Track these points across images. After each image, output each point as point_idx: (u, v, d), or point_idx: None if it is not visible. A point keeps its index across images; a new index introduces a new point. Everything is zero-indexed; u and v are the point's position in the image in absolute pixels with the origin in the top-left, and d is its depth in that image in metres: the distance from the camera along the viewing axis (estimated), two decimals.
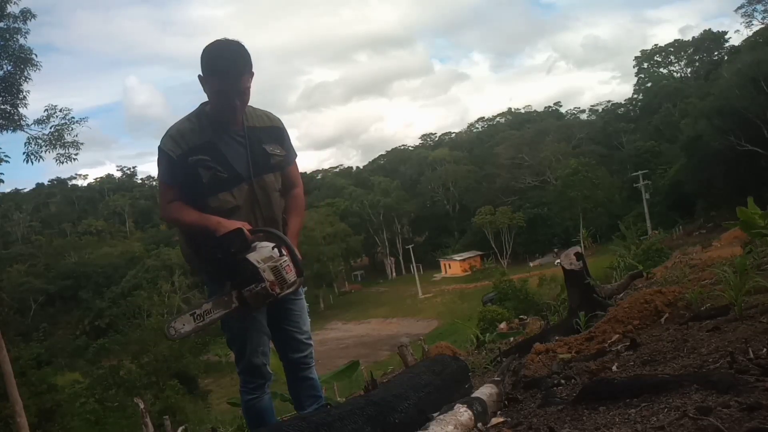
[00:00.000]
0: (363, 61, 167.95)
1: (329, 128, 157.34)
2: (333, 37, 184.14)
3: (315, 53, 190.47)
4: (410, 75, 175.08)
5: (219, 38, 2.32)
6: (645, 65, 72.92)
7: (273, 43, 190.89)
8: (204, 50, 2.29)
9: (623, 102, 75.49)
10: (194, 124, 2.37)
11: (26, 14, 11.86)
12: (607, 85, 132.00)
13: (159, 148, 2.36)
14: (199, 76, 2.29)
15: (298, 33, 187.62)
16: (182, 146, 2.31)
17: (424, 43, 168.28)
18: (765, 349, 2.20)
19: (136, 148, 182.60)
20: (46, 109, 12.55)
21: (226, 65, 2.24)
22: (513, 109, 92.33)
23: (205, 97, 2.38)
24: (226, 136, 2.38)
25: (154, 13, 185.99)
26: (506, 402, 2.54)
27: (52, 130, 12.43)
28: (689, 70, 70.16)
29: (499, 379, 2.72)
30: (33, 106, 12.76)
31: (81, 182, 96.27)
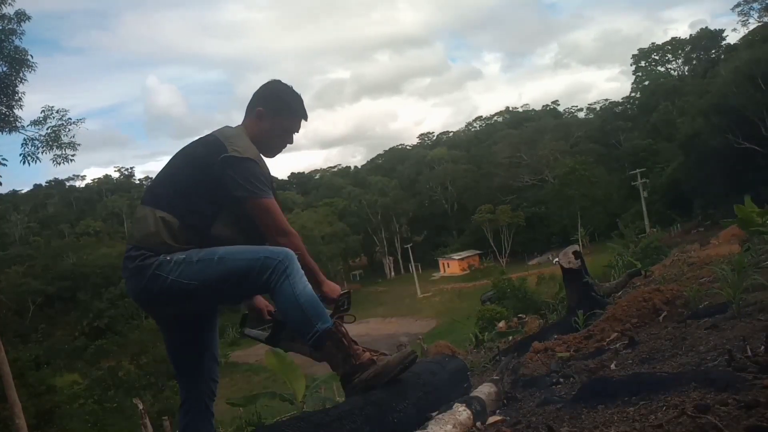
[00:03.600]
0: (376, 60, 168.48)
1: (340, 126, 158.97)
2: (349, 38, 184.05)
3: (329, 53, 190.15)
4: (422, 74, 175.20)
5: (279, 80, 2.45)
6: (642, 63, 72.99)
7: (288, 43, 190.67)
8: (276, 88, 2.41)
9: (621, 100, 75.60)
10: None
11: (21, 16, 11.84)
12: (615, 82, 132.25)
13: (248, 158, 2.17)
14: (259, 110, 2.33)
15: (316, 34, 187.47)
16: (265, 167, 2.27)
17: (436, 43, 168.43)
18: (763, 347, 2.20)
19: (150, 147, 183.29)
20: (43, 110, 12.53)
21: (303, 109, 2.42)
22: (511, 108, 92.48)
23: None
24: None
25: (172, 13, 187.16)
26: (505, 401, 2.54)
27: (49, 131, 12.41)
28: (686, 68, 70.26)
29: (498, 378, 2.72)
30: (46, 105, 12.69)
31: (79, 183, 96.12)
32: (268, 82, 2.46)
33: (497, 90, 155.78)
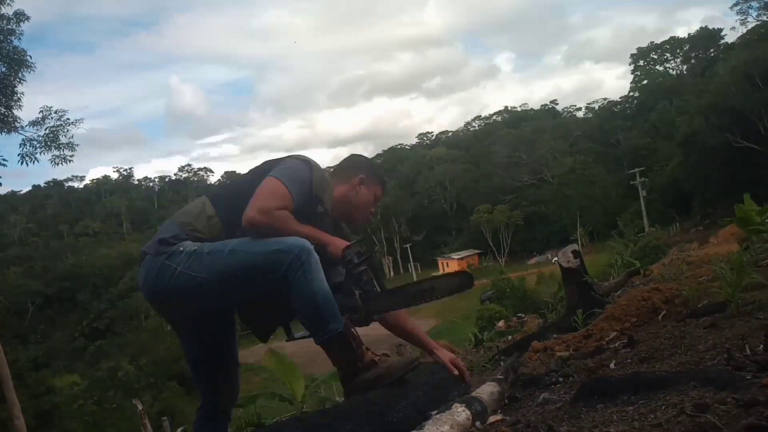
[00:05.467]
0: (395, 61, 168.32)
1: (353, 125, 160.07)
2: (375, 40, 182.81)
3: (354, 55, 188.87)
4: (437, 74, 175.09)
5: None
6: (641, 62, 73.01)
7: (316, 45, 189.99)
8: (376, 164, 2.58)
9: (619, 99, 75.71)
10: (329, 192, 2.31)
11: (20, 16, 11.84)
12: (623, 80, 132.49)
13: (306, 161, 2.22)
14: (362, 176, 2.38)
15: (345, 36, 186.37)
16: (322, 194, 2.24)
17: (454, 43, 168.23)
18: (762, 346, 2.20)
19: (169, 146, 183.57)
20: (41, 111, 12.53)
21: (388, 189, 2.65)
22: (509, 108, 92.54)
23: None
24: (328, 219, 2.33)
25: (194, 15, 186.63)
26: (506, 400, 2.54)
27: (47, 131, 12.40)
28: (685, 67, 70.28)
29: (501, 377, 2.72)
30: (45, 106, 12.69)
31: (77, 184, 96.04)
32: (363, 157, 2.59)
33: (510, 90, 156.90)
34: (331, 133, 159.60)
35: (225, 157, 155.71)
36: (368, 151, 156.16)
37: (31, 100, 12.71)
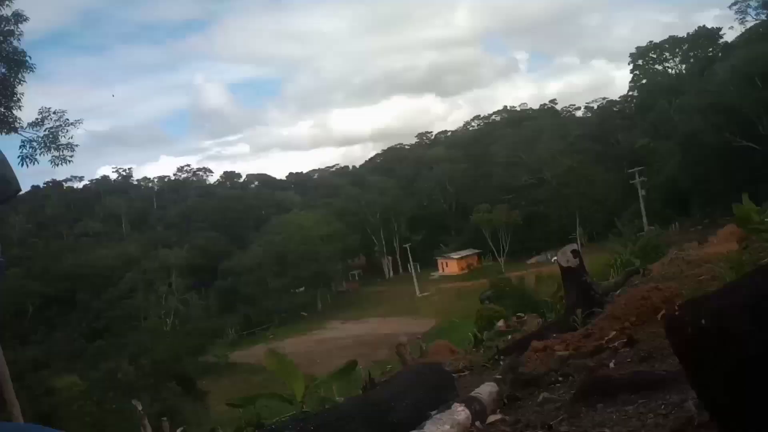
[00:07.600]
0: (413, 60, 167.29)
1: (365, 125, 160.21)
2: (401, 41, 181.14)
3: (379, 55, 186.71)
4: (453, 74, 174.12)
5: None
6: (640, 62, 72.95)
7: (346, 47, 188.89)
8: None
9: (618, 99, 75.66)
10: None
11: (18, 17, 11.82)
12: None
13: None
14: None
15: (377, 38, 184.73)
16: None
17: (473, 42, 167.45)
18: None
19: (188, 144, 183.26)
20: (40, 112, 12.51)
21: None
22: (509, 107, 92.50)
23: None
24: None
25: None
26: (506, 400, 2.54)
27: (46, 132, 12.38)
28: (684, 66, 70.24)
29: (500, 377, 2.72)
30: (43, 107, 12.68)
31: (77, 184, 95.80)
32: None
33: (525, 89, 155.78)
34: (342, 132, 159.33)
35: (238, 155, 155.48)
36: (376, 149, 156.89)
37: (47, 102, 12.80)
